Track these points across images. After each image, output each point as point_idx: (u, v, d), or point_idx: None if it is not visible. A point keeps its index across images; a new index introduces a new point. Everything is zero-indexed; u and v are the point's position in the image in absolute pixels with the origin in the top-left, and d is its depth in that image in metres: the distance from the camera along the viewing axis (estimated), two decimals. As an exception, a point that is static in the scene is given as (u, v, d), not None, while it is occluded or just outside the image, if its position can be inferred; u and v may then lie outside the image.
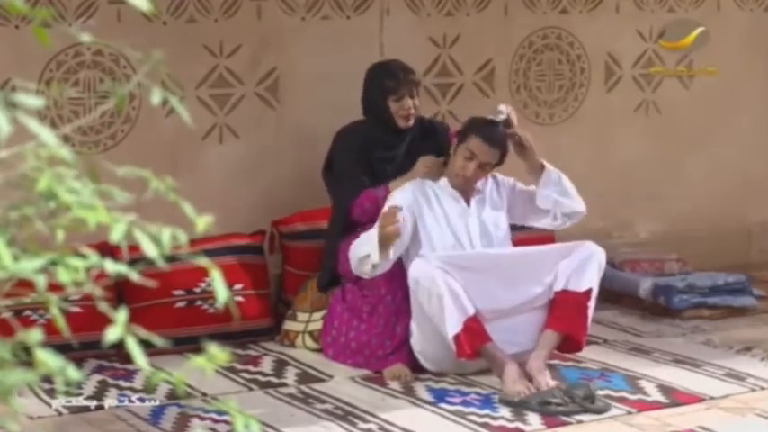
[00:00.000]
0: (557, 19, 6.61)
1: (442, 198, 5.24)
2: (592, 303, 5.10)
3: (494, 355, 4.93)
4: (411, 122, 5.53)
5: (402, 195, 5.18)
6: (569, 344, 5.13)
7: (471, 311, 4.92)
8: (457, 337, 4.88)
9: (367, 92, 5.60)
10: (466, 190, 5.27)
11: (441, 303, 4.87)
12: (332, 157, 5.62)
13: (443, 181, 5.26)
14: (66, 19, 5.50)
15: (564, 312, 5.05)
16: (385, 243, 4.89)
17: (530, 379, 4.88)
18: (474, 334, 4.90)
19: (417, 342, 5.15)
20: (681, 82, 6.96)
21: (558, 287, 5.08)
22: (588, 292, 5.06)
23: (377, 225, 4.94)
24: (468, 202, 5.27)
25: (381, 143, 5.48)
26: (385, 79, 5.52)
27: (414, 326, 5.14)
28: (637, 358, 5.42)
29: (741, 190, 7.14)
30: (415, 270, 4.97)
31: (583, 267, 5.08)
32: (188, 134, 5.71)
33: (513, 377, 4.84)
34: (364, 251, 4.96)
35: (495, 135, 5.21)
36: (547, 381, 4.86)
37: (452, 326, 4.87)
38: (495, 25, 6.46)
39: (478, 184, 5.31)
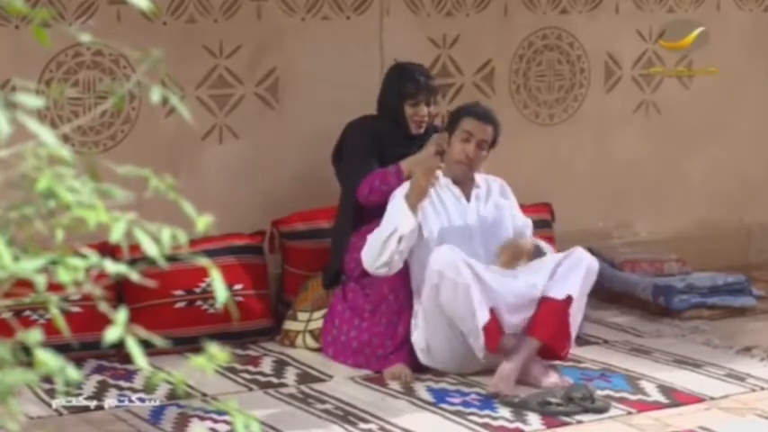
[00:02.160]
0: (557, 19, 6.62)
1: (442, 196, 5.24)
2: (575, 311, 5.03)
3: (506, 348, 4.95)
4: (422, 130, 5.52)
5: (403, 199, 5.17)
6: (550, 353, 5.11)
7: (492, 303, 4.92)
8: (486, 328, 4.86)
9: (384, 91, 5.60)
10: (466, 182, 5.26)
11: (468, 294, 4.84)
12: (342, 146, 5.60)
13: (443, 179, 5.26)
14: (66, 19, 5.50)
15: (545, 321, 5.02)
16: (420, 197, 4.92)
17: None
18: (497, 326, 4.91)
19: (422, 338, 5.12)
20: (681, 82, 6.96)
21: (541, 293, 5.06)
22: (568, 299, 5.01)
23: (405, 189, 4.98)
24: (467, 198, 5.27)
25: (393, 140, 5.46)
26: (405, 83, 5.51)
27: (422, 321, 5.09)
28: (637, 358, 5.42)
29: (741, 190, 7.14)
30: (439, 262, 4.90)
31: (567, 275, 5.03)
32: (188, 134, 5.71)
33: (503, 374, 4.86)
34: (388, 231, 4.95)
35: (483, 111, 5.28)
36: (506, 387, 4.87)
37: (482, 315, 4.86)
38: (494, 25, 6.46)
39: (477, 179, 5.30)
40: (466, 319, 4.89)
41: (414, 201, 5.01)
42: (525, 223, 5.38)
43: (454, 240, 5.15)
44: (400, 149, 5.43)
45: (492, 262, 5.13)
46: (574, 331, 5.08)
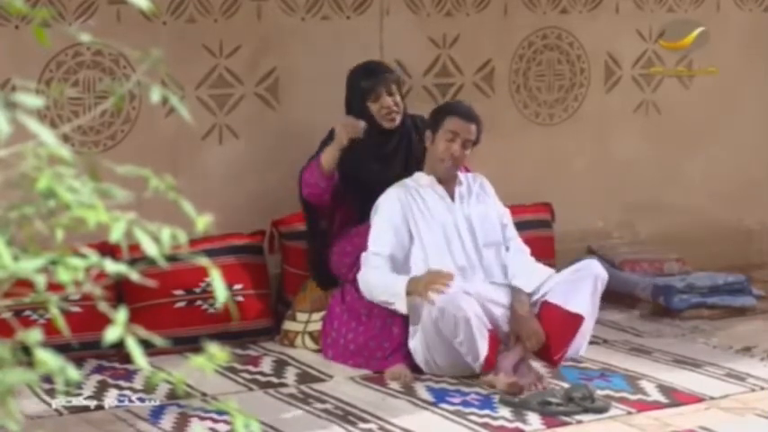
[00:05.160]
0: (557, 19, 6.61)
1: (426, 197, 5.25)
2: (584, 328, 5.06)
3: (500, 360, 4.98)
4: (397, 121, 5.48)
5: (389, 204, 5.18)
6: (543, 355, 5.12)
7: (489, 325, 4.93)
8: (486, 357, 4.90)
9: (347, 97, 5.57)
10: (449, 181, 5.27)
11: (469, 326, 4.84)
12: None
13: (426, 179, 5.28)
14: (66, 19, 5.50)
15: (545, 326, 5.04)
16: (418, 295, 4.95)
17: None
18: (494, 344, 4.92)
19: (421, 352, 5.10)
20: (681, 82, 6.96)
21: (548, 298, 5.08)
22: (577, 316, 5.03)
23: (406, 278, 5.02)
24: (452, 197, 5.28)
25: (367, 143, 5.40)
26: (361, 80, 5.49)
27: (421, 339, 5.08)
28: (637, 358, 5.42)
29: (741, 189, 7.14)
30: (439, 299, 4.88)
31: (575, 285, 5.06)
32: (188, 134, 5.71)
33: (507, 370, 4.90)
34: (384, 298, 5.06)
35: (467, 109, 5.29)
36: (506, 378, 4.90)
37: (483, 347, 4.88)
38: (494, 25, 6.46)
39: (460, 176, 5.32)
40: (464, 345, 4.90)
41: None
42: (503, 213, 5.38)
43: (443, 241, 5.16)
44: (375, 150, 5.42)
45: (484, 261, 5.19)
46: (580, 348, 5.10)
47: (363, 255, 5.14)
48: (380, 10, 6.17)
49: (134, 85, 1.86)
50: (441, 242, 5.18)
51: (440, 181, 5.27)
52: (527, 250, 5.31)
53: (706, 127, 7.03)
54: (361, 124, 5.30)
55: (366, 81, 5.46)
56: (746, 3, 7.08)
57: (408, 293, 4.95)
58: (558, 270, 5.28)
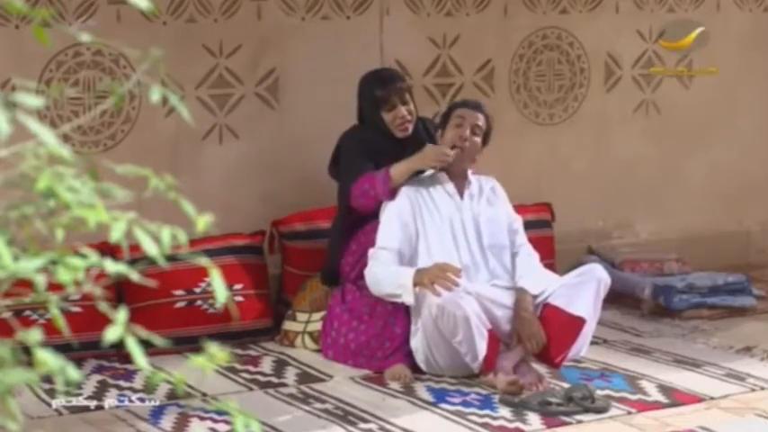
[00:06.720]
0: (557, 19, 6.62)
1: (434, 195, 5.25)
2: (585, 331, 5.06)
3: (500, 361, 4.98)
4: (410, 130, 5.47)
5: (398, 200, 5.19)
6: (544, 357, 5.13)
7: (489, 324, 4.93)
8: (485, 358, 4.90)
9: (360, 104, 5.57)
10: (460, 178, 5.27)
11: (468, 325, 4.85)
12: (338, 153, 5.57)
13: (438, 175, 5.27)
14: (66, 19, 5.50)
15: (547, 328, 5.04)
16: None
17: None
18: (493, 345, 4.92)
19: (422, 350, 5.11)
20: (681, 82, 6.96)
21: (550, 301, 5.09)
22: (579, 319, 5.03)
23: (413, 269, 4.99)
24: (461, 195, 5.28)
25: (382, 149, 5.42)
26: (375, 89, 5.47)
27: (421, 337, 5.09)
28: (637, 358, 5.42)
29: (741, 190, 7.14)
30: (441, 298, 4.89)
31: (578, 288, 5.07)
32: (188, 134, 5.71)
33: (507, 370, 4.90)
34: (390, 291, 5.04)
35: (474, 102, 5.37)
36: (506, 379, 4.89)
37: (482, 346, 4.89)
38: (494, 25, 6.46)
39: (471, 177, 5.31)
40: (463, 344, 4.90)
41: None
42: (515, 219, 5.38)
43: (448, 237, 5.17)
44: (392, 157, 5.41)
45: (487, 261, 5.18)
46: (580, 350, 5.10)
47: (371, 250, 5.14)
48: (380, 10, 6.17)
49: (134, 85, 1.86)
50: (446, 239, 5.18)
51: (450, 177, 5.27)
52: (536, 256, 5.31)
53: (706, 127, 7.03)
54: (453, 155, 5.23)
55: (380, 90, 5.45)
56: (746, 3, 7.08)
57: (414, 285, 4.95)
58: (561, 274, 5.29)
